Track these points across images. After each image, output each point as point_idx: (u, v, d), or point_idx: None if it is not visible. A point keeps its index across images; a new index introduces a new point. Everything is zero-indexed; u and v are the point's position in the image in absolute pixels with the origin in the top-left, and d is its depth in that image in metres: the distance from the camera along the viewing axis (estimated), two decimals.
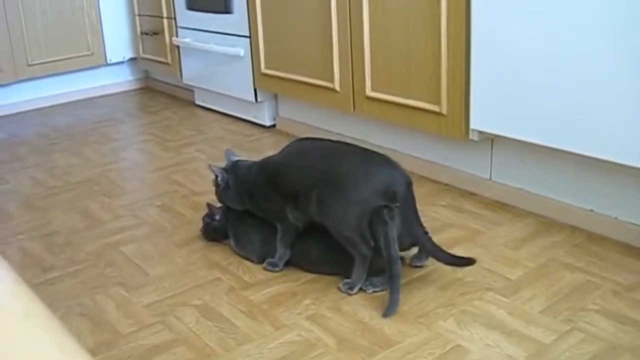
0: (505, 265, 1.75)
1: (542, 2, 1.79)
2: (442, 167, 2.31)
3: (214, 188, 1.91)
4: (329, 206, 1.62)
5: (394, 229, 1.57)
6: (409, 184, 1.61)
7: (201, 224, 1.97)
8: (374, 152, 1.69)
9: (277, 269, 1.78)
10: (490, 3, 1.91)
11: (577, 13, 1.71)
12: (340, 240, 1.64)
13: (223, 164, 1.92)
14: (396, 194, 1.57)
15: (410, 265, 1.74)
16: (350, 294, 1.65)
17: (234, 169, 1.88)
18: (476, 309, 1.57)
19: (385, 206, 1.56)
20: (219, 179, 1.87)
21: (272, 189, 1.76)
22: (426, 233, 1.63)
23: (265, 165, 1.83)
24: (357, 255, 1.63)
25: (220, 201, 1.92)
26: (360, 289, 1.66)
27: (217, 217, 1.91)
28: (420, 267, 1.75)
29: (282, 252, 1.78)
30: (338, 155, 1.67)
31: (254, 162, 1.89)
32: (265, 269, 1.79)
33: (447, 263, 1.64)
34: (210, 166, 1.90)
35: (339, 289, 1.67)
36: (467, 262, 1.64)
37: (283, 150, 1.80)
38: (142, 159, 2.83)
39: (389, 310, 1.57)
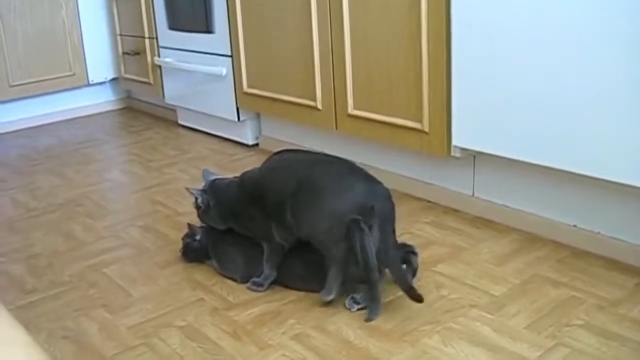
0: (490, 281, 1.76)
1: (524, 19, 1.80)
2: (425, 184, 2.32)
3: (195, 210, 1.90)
4: (303, 214, 1.62)
5: (370, 239, 1.56)
6: (389, 199, 1.61)
7: (181, 244, 1.96)
8: (355, 166, 1.68)
9: (261, 289, 1.77)
10: (470, 20, 1.92)
11: (559, 30, 1.73)
12: (315, 244, 1.63)
13: (202, 184, 1.91)
14: (373, 209, 1.57)
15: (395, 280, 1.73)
16: (327, 300, 1.65)
17: (213, 188, 1.87)
18: (461, 325, 1.57)
19: (362, 218, 1.57)
20: (198, 201, 1.86)
21: (254, 204, 1.75)
22: (397, 257, 1.61)
23: (244, 180, 1.83)
24: (330, 260, 1.62)
25: (203, 222, 1.91)
26: (337, 293, 1.65)
27: (198, 237, 1.90)
28: None
29: (267, 272, 1.77)
30: (318, 166, 1.67)
31: (232, 180, 1.88)
32: (249, 288, 1.78)
33: (403, 290, 1.59)
34: (187, 189, 1.89)
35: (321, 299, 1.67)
36: (415, 298, 1.57)
37: (264, 163, 1.79)
38: (124, 180, 2.82)
39: (369, 316, 1.59)
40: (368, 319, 1.59)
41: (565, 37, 1.71)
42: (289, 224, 1.66)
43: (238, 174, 1.89)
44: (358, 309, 1.65)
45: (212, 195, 1.85)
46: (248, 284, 1.79)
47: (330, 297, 1.65)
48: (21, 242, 2.21)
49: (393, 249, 1.60)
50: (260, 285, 1.77)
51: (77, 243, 2.17)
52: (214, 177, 1.93)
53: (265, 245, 1.77)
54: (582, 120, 1.73)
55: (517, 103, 1.86)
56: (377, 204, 1.58)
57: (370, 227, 1.57)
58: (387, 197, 1.62)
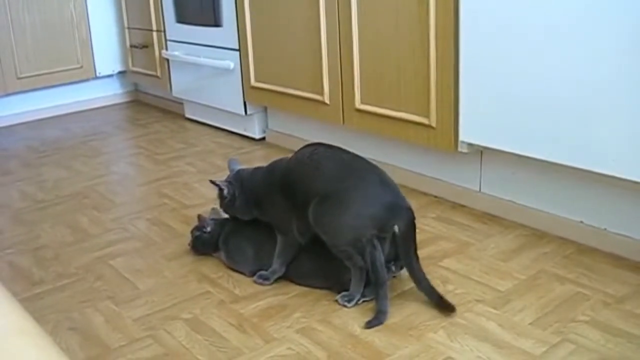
0: (495, 277, 1.76)
1: (530, 16, 1.80)
2: (432, 179, 2.32)
3: (217, 200, 1.87)
4: (326, 221, 1.62)
5: (382, 254, 1.59)
6: (411, 219, 1.60)
7: (190, 237, 1.96)
8: (383, 177, 1.66)
9: (267, 282, 1.77)
10: (478, 16, 1.92)
11: (565, 27, 1.73)
12: (337, 253, 1.63)
13: (218, 175, 1.90)
14: (392, 228, 1.58)
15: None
16: (347, 307, 1.64)
17: (238, 179, 1.85)
18: (466, 320, 1.57)
19: (378, 234, 1.58)
20: (225, 192, 1.82)
21: (280, 192, 1.73)
22: (420, 269, 1.61)
23: (272, 169, 1.81)
24: (352, 268, 1.63)
25: (226, 213, 1.89)
26: (357, 302, 1.66)
27: (208, 229, 1.90)
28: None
29: (276, 267, 1.77)
30: (348, 172, 1.65)
31: (257, 168, 1.86)
32: (255, 282, 1.78)
33: (432, 300, 1.61)
34: (212, 181, 1.85)
35: (336, 301, 1.66)
36: (448, 308, 1.59)
37: (295, 154, 1.76)
38: (131, 172, 2.82)
39: (371, 323, 1.58)
40: (371, 326, 1.57)
41: (575, 32, 1.71)
42: (309, 220, 1.65)
43: (248, 167, 1.89)
44: (364, 301, 1.65)
45: (237, 186, 1.83)
46: (255, 278, 1.79)
47: (351, 305, 1.65)
48: (28, 233, 2.22)
49: (416, 262, 1.60)
50: (266, 279, 1.77)
51: (83, 235, 2.18)
52: (239, 167, 1.92)
53: (280, 239, 1.76)
54: (589, 116, 1.72)
55: (524, 99, 1.86)
56: (399, 221, 1.58)
57: (383, 242, 1.59)
58: (409, 213, 1.60)
